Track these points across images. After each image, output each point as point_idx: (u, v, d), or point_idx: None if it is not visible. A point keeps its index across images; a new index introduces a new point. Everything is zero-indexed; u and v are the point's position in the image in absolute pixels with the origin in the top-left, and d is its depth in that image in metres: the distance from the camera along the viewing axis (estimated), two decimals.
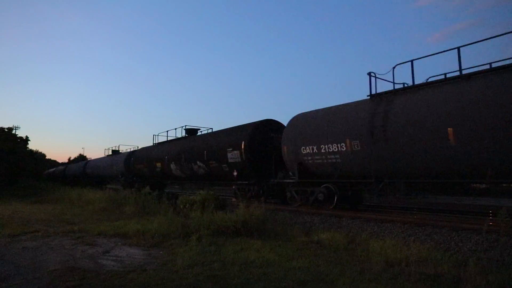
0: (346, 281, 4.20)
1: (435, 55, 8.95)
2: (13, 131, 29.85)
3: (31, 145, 57.39)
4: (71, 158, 75.26)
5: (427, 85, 8.62)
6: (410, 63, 9.04)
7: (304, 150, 11.02)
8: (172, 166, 18.42)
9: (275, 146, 13.05)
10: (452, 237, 6.70)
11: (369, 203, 13.32)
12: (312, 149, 10.75)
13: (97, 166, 31.32)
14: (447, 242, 6.53)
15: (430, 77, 8.70)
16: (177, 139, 19.76)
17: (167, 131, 21.08)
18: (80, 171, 35.42)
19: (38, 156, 53.11)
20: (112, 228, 7.93)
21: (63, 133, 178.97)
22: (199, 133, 19.07)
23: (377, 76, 9.87)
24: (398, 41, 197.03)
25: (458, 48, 8.01)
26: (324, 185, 10.69)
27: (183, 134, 19.38)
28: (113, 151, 30.90)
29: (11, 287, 4.12)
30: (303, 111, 12.45)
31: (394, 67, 9.41)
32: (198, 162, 16.15)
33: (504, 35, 7.49)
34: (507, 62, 7.27)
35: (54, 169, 51.78)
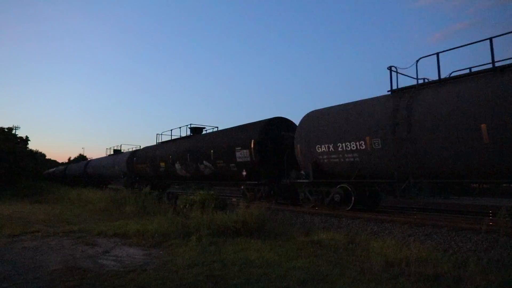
0: (346, 281, 4.19)
1: (461, 47, 8.31)
2: (13, 131, 29.77)
3: (31, 145, 57.28)
4: (71, 158, 75.26)
5: (454, 78, 8.12)
6: (435, 56, 8.46)
7: (319, 148, 10.56)
8: (177, 165, 17.98)
9: (286, 144, 12.62)
10: (452, 237, 6.70)
11: (385, 203, 12.56)
12: (328, 147, 10.30)
13: (99, 166, 31.06)
14: (447, 242, 6.53)
15: (453, 72, 8.24)
16: (182, 138, 19.15)
17: (171, 130, 20.62)
18: (81, 171, 35.29)
19: (38, 156, 52.94)
20: (112, 228, 7.92)
21: (63, 133, 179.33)
22: (204, 132, 18.63)
23: (398, 70, 9.31)
24: (398, 41, 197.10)
25: (491, 39, 7.53)
26: (340, 185, 10.27)
27: (188, 133, 18.94)
28: (114, 150, 30.50)
29: (11, 287, 4.13)
30: (309, 110, 11.98)
31: (417, 60, 8.80)
32: (204, 162, 15.73)
33: None
34: None
35: (54, 169, 51.74)
